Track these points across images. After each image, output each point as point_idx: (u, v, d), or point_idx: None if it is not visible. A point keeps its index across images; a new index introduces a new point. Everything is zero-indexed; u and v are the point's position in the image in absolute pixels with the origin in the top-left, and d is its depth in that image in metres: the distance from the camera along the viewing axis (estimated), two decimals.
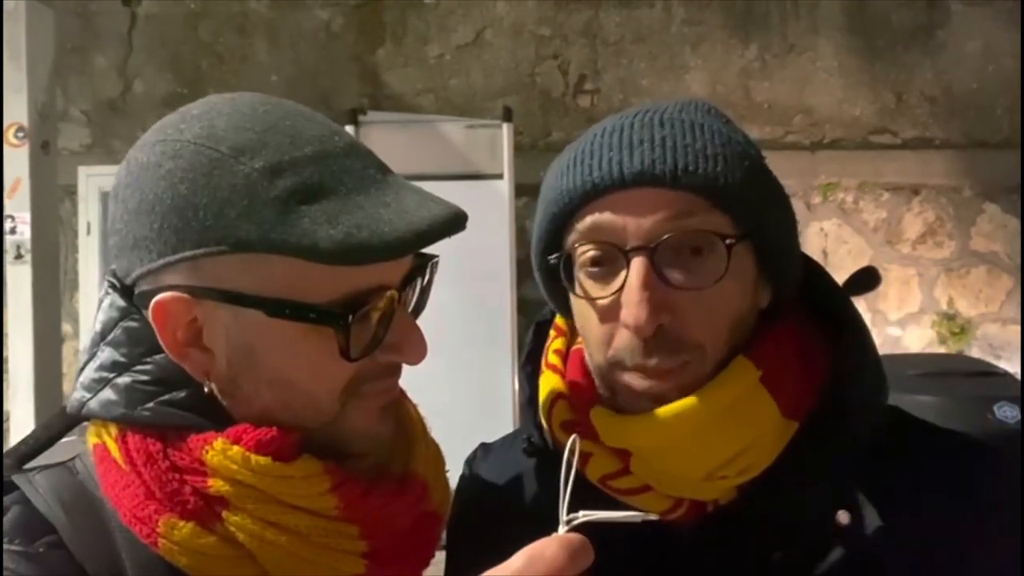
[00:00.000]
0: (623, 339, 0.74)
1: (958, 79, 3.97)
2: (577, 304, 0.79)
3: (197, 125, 0.67)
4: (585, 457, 0.78)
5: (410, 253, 0.67)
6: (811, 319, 0.82)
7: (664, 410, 0.73)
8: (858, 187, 3.97)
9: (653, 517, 0.61)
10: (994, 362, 3.46)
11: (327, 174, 0.65)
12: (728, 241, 0.72)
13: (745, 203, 0.73)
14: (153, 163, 0.66)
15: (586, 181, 0.74)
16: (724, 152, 0.74)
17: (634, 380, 0.75)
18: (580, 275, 0.77)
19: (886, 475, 0.76)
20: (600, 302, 0.75)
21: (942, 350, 3.94)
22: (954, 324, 3.98)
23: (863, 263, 4.00)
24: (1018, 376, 3.05)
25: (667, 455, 0.75)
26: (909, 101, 3.98)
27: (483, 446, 0.97)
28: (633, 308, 0.71)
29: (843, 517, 0.74)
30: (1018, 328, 3.93)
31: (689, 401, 0.73)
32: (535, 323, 0.92)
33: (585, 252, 0.76)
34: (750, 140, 0.79)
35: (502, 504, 0.87)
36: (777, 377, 0.75)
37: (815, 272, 0.84)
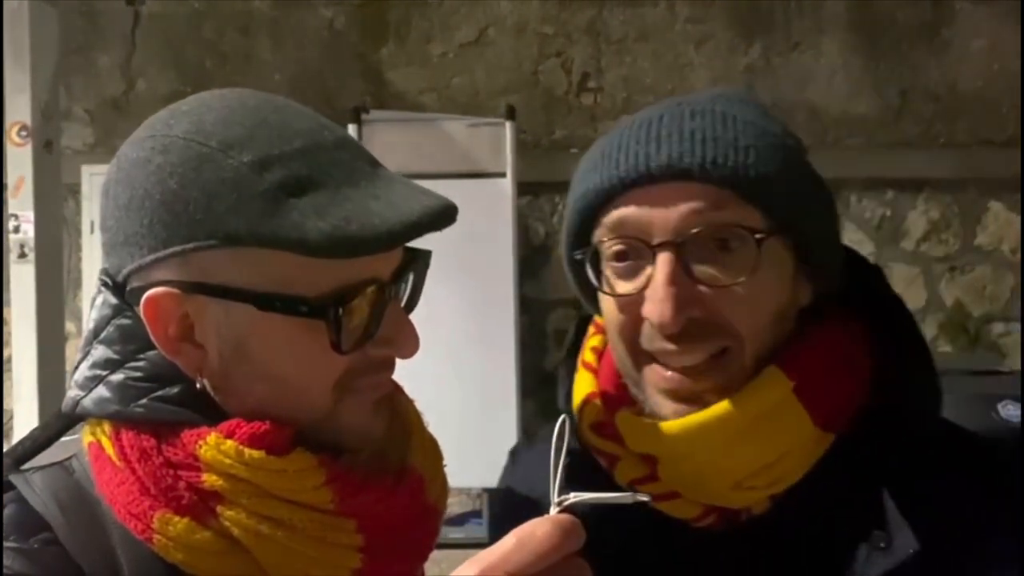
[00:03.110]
0: (647, 329, 0.73)
1: (963, 77, 3.96)
2: (604, 300, 0.78)
3: (186, 120, 0.67)
4: (613, 460, 0.78)
5: (399, 245, 0.67)
6: (857, 320, 0.79)
7: (689, 419, 0.72)
8: (862, 185, 3.96)
9: (644, 498, 0.60)
10: (998, 361, 3.45)
11: (316, 167, 0.65)
12: (758, 235, 0.70)
13: (777, 196, 0.71)
14: (143, 159, 0.66)
15: (612, 175, 0.73)
16: (756, 143, 0.72)
17: (657, 376, 0.73)
18: (607, 271, 0.76)
19: (927, 492, 0.72)
20: (625, 298, 0.74)
21: (947, 349, 3.93)
22: (959, 322, 3.96)
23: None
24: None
25: (692, 463, 0.73)
26: (914, 99, 3.97)
27: (527, 436, 0.95)
28: (658, 304, 0.70)
29: (879, 539, 0.71)
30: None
31: (714, 411, 0.71)
32: (579, 318, 0.90)
33: (611, 247, 0.74)
34: (789, 131, 0.77)
35: (534, 498, 0.85)
36: (812, 388, 0.72)
37: (862, 267, 0.81)
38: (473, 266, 3.22)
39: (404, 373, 0.74)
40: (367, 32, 4.02)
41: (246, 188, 0.63)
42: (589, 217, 0.76)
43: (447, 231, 0.66)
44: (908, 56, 3.96)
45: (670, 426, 0.72)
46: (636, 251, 0.73)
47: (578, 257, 0.77)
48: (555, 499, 0.58)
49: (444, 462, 0.79)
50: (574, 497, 0.58)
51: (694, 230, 0.70)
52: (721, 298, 0.71)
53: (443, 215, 0.65)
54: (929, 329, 3.95)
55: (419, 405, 0.80)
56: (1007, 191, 3.92)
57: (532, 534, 0.54)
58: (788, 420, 0.72)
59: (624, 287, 0.74)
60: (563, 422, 0.61)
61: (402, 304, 0.71)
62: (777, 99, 3.93)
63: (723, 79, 3.95)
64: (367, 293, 0.66)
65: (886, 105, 3.97)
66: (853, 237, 3.94)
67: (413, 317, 0.72)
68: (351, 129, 3.41)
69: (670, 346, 0.72)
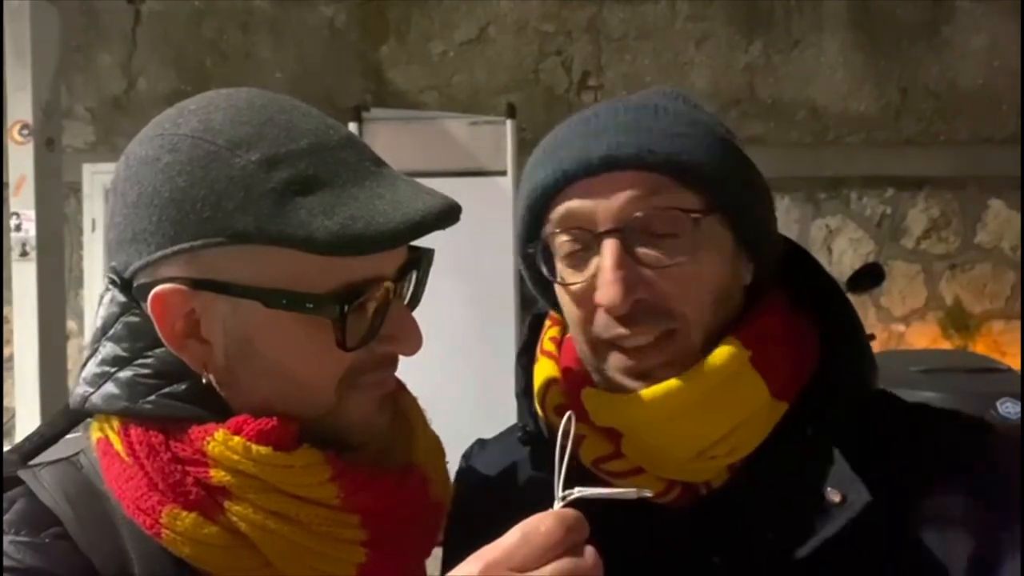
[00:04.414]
0: (600, 318, 0.76)
1: (963, 75, 3.96)
2: (560, 292, 0.81)
3: (194, 119, 0.68)
4: (578, 440, 0.79)
5: (404, 244, 0.68)
6: (798, 300, 0.83)
7: (654, 389, 0.75)
8: (863, 183, 3.96)
9: (648, 493, 0.62)
10: (999, 358, 3.45)
11: (322, 166, 0.66)
12: (694, 215, 0.74)
13: (710, 178, 0.75)
14: (151, 157, 0.67)
15: (556, 170, 0.76)
16: (687, 131, 0.76)
17: (616, 359, 0.76)
18: (559, 264, 0.79)
19: (875, 453, 0.77)
20: (575, 287, 0.77)
21: (947, 346, 3.93)
22: (959, 320, 3.97)
23: (868, 259, 3.96)
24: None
25: (657, 433, 0.76)
26: (914, 97, 3.97)
27: (480, 441, 0.98)
28: (607, 288, 0.73)
29: (834, 495, 0.74)
30: None
31: (678, 381, 0.74)
32: (531, 316, 0.94)
33: (560, 240, 0.78)
34: (718, 120, 0.81)
35: (500, 494, 0.88)
36: (767, 358, 0.76)
37: (798, 254, 0.85)
38: (473, 265, 3.22)
39: (404, 370, 0.75)
40: (367, 30, 4.02)
41: (254, 186, 0.64)
42: (538, 213, 0.79)
43: (448, 229, 0.67)
44: (908, 54, 3.96)
45: (635, 397, 0.75)
46: (583, 241, 0.77)
47: (530, 251, 0.80)
48: (559, 494, 0.59)
49: (447, 459, 0.80)
50: (578, 492, 0.58)
51: (635, 215, 0.74)
52: (665, 279, 0.74)
53: (447, 214, 0.66)
54: (929, 326, 3.96)
55: (420, 402, 0.81)
56: (1007, 189, 3.92)
57: (536, 529, 0.55)
58: (746, 389, 0.75)
59: (575, 277, 0.77)
60: (569, 418, 0.62)
61: (405, 302, 0.72)
62: (777, 97, 3.93)
63: (723, 77, 3.96)
64: (372, 291, 0.67)
65: (886, 103, 3.97)
66: (854, 235, 3.95)
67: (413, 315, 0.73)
68: (351, 128, 3.42)
69: (622, 331, 0.75)
